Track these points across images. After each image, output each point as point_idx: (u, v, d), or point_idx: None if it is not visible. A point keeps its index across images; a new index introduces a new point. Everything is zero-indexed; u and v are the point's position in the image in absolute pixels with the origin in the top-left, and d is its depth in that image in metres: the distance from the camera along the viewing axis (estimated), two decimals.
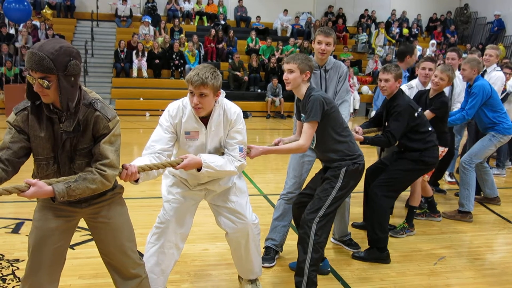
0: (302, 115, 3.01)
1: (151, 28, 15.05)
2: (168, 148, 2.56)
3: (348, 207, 3.78)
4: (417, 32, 18.21)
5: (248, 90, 14.07)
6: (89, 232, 2.47)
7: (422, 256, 3.81)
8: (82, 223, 2.34)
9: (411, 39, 17.13)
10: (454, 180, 6.23)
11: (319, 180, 3.10)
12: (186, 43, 14.27)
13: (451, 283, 3.36)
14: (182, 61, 13.86)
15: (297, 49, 15.05)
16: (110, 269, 2.37)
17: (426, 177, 4.44)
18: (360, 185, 3.45)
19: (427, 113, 4.03)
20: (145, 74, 13.56)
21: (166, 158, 2.53)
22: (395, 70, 3.60)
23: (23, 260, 3.34)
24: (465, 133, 6.14)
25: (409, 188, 4.21)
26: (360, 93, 14.78)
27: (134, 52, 13.54)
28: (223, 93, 2.61)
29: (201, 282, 3.22)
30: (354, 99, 13.87)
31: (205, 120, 2.58)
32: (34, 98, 2.03)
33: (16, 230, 4.02)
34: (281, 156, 7.06)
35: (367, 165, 3.36)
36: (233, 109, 2.65)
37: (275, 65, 14.22)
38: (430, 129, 3.73)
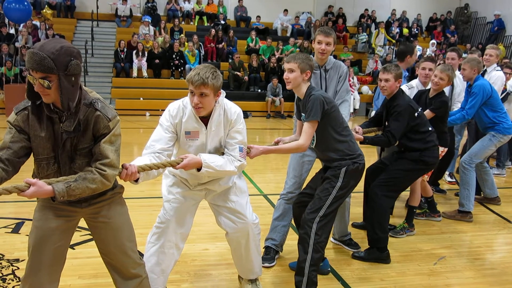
0: (302, 114, 3.01)
1: (151, 28, 15.05)
2: (168, 148, 2.56)
3: (348, 207, 3.78)
4: (417, 32, 18.22)
5: (248, 90, 14.07)
6: (89, 232, 2.47)
7: (422, 256, 3.81)
8: (82, 223, 2.34)
9: (411, 39, 17.12)
10: (454, 180, 6.23)
11: (319, 180, 3.10)
12: (186, 43, 14.28)
13: (451, 283, 3.36)
14: (182, 61, 13.86)
15: (297, 49, 15.04)
16: (110, 269, 2.37)
17: (426, 177, 4.44)
18: (360, 185, 3.45)
19: (427, 113, 4.03)
20: (145, 74, 13.56)
21: (166, 157, 2.53)
22: (395, 70, 3.60)
23: (23, 260, 3.34)
24: (465, 133, 6.15)
25: (409, 188, 4.21)
26: (360, 93, 14.78)
27: (134, 52, 13.54)
28: (223, 93, 2.61)
29: (201, 282, 3.22)
30: (354, 99, 13.86)
31: (205, 120, 2.58)
32: (34, 98, 2.02)
33: (16, 230, 4.02)
34: (281, 156, 7.06)
35: (367, 165, 3.36)
36: (234, 109, 2.65)
37: (275, 65, 14.23)
38: (430, 129, 3.73)
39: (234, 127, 2.63)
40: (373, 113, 4.21)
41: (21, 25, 13.29)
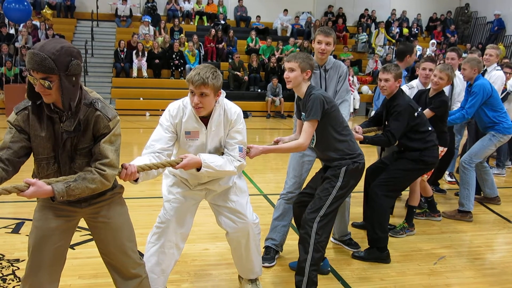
0: (303, 114, 3.01)
1: (151, 28, 15.05)
2: (168, 148, 2.56)
3: (348, 207, 3.78)
4: (417, 31, 18.21)
5: (248, 90, 14.07)
6: (89, 232, 2.47)
7: (422, 255, 3.81)
8: (82, 223, 2.34)
9: (411, 38, 17.11)
10: (454, 179, 6.23)
11: (319, 180, 3.10)
12: (186, 43, 14.27)
13: (451, 283, 3.36)
14: (182, 61, 13.86)
15: (297, 49, 15.04)
16: (110, 269, 2.37)
17: (425, 176, 4.44)
18: (360, 185, 3.45)
19: (427, 112, 4.03)
20: (145, 74, 13.56)
21: (166, 157, 2.53)
22: (395, 70, 3.60)
23: (24, 260, 3.34)
24: (465, 132, 6.15)
25: (409, 188, 4.21)
26: (360, 92, 14.78)
27: (134, 52, 13.54)
28: (223, 93, 2.61)
29: (201, 282, 3.22)
30: (354, 98, 13.86)
31: (205, 120, 2.58)
32: (35, 98, 2.03)
33: (16, 230, 4.02)
34: (281, 156, 7.07)
35: (367, 165, 3.36)
36: (234, 109, 2.65)
37: (275, 65, 14.22)
38: (430, 128, 3.73)
39: (234, 127, 2.64)
40: (373, 113, 4.21)
41: (21, 25, 13.29)
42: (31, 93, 2.01)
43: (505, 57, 15.04)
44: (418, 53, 15.01)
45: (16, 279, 3.08)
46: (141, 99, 12.98)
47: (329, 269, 3.41)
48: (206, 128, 2.59)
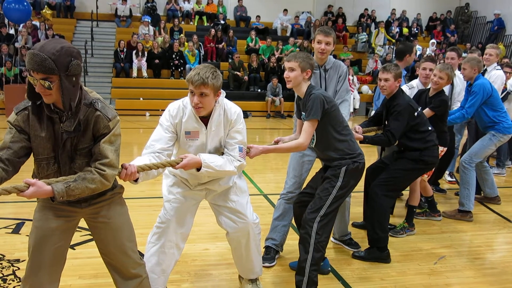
0: (303, 113, 3.01)
1: (151, 28, 15.05)
2: (168, 148, 2.56)
3: (348, 207, 3.78)
4: (417, 31, 18.21)
5: (248, 90, 14.07)
6: (89, 232, 2.47)
7: (423, 255, 3.81)
8: (82, 223, 2.34)
9: (411, 38, 17.12)
10: (454, 179, 6.23)
11: (320, 179, 3.10)
12: (186, 43, 14.28)
13: (451, 283, 3.36)
14: (182, 61, 13.86)
15: (297, 49, 15.04)
16: (110, 269, 2.37)
17: (425, 176, 4.44)
18: (360, 185, 3.45)
19: (426, 111, 4.03)
20: (145, 74, 13.56)
21: (166, 157, 2.53)
22: (395, 69, 3.60)
23: (24, 260, 3.34)
24: (465, 132, 6.15)
25: (409, 187, 4.21)
26: (360, 92, 14.78)
27: (134, 52, 13.54)
28: (223, 93, 2.61)
29: (202, 281, 3.22)
30: (354, 98, 13.86)
31: (205, 120, 2.58)
32: (35, 98, 2.03)
33: (16, 230, 4.02)
34: (281, 156, 7.06)
35: (367, 165, 3.36)
36: (234, 109, 2.65)
37: (275, 64, 14.22)
38: (430, 128, 3.73)
39: (234, 127, 2.64)
40: (373, 113, 4.22)
41: (21, 25, 13.29)
42: (31, 93, 2.01)
43: (505, 56, 15.04)
44: (418, 52, 15.02)
45: (17, 279, 3.08)
46: (141, 99, 12.98)
47: (330, 269, 3.41)
48: (206, 128, 2.59)
